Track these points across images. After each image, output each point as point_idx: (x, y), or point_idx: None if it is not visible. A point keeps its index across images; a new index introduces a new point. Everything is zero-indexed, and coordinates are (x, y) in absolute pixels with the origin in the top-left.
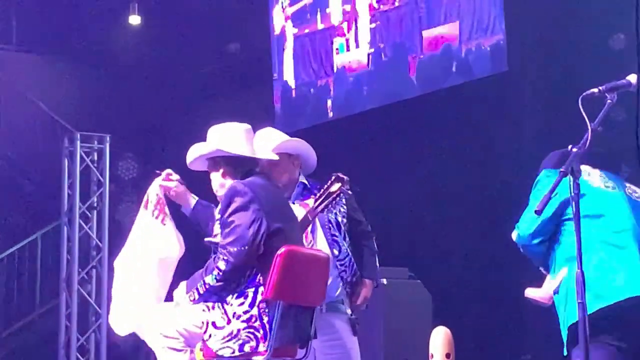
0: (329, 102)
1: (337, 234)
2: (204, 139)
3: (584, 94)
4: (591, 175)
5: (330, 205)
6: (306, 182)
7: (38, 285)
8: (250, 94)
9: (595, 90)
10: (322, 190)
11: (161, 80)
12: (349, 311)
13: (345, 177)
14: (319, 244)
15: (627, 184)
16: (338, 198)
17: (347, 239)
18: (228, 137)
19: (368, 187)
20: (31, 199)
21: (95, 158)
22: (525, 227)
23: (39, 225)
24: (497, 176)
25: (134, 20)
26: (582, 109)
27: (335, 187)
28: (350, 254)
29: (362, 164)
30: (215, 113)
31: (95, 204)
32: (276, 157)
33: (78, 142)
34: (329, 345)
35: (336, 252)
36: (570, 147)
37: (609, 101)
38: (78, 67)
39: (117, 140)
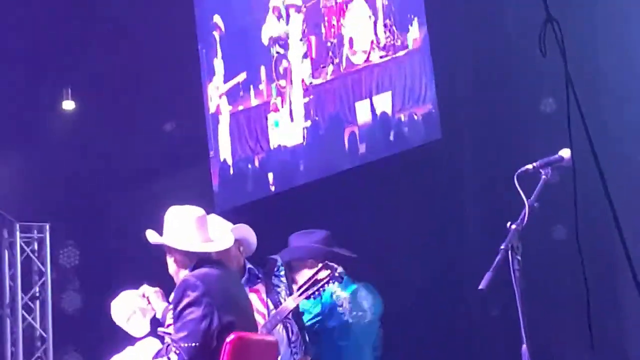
0: (269, 178)
1: (290, 316)
2: (145, 221)
3: (519, 171)
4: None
5: (317, 292)
6: (252, 267)
7: None
8: (188, 173)
9: (530, 166)
10: (309, 277)
11: (99, 164)
12: None
13: (334, 266)
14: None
15: None
16: (326, 285)
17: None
18: (179, 228)
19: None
20: None
21: (36, 247)
22: None
23: None
24: (438, 243)
25: (68, 105)
26: (517, 186)
27: (324, 274)
28: (299, 335)
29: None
30: (154, 194)
31: (37, 294)
32: (228, 245)
33: (17, 233)
34: None
35: (290, 335)
36: (508, 224)
37: (543, 177)
38: (14, 156)
39: (58, 227)
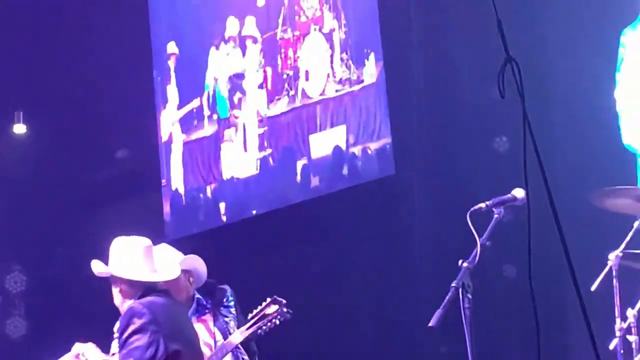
0: (221, 208)
1: (239, 346)
2: (94, 250)
3: (472, 209)
4: None
5: (265, 327)
6: (200, 297)
7: None
8: (140, 202)
9: (483, 205)
10: (257, 311)
11: (48, 188)
12: None
13: (282, 300)
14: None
15: None
16: (274, 320)
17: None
18: (125, 258)
19: (260, 291)
20: None
21: None
22: None
23: None
24: (389, 278)
25: (19, 129)
26: (470, 224)
27: (272, 309)
28: None
29: (253, 268)
30: (104, 222)
31: None
32: (175, 276)
33: None
34: None
35: None
36: (460, 262)
37: (496, 216)
38: None
39: (4, 252)
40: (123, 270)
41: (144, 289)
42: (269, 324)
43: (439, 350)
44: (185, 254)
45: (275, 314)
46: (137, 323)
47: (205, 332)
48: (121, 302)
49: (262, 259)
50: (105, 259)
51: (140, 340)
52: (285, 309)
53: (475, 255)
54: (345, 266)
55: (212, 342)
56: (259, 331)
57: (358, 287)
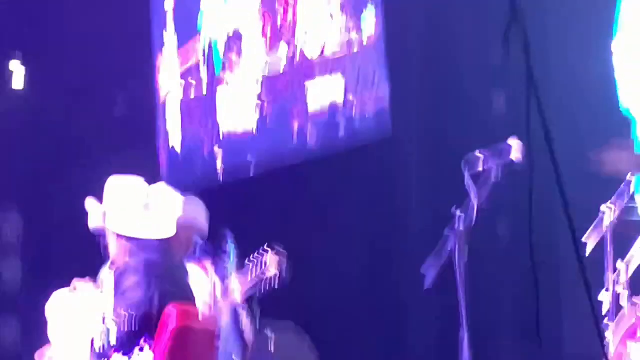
0: (218, 167)
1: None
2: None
3: (466, 158)
4: None
5: (267, 284)
6: (200, 240)
7: None
8: (136, 158)
9: (479, 154)
10: (258, 267)
11: (46, 136)
12: None
13: (283, 252)
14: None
15: None
16: (276, 276)
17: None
18: (121, 211)
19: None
20: None
21: None
22: None
23: None
24: (383, 240)
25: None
26: (467, 184)
27: (273, 263)
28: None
29: (252, 227)
30: (99, 177)
31: None
32: (170, 235)
33: None
34: None
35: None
36: (454, 207)
37: (493, 177)
38: None
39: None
40: (119, 226)
41: (139, 242)
42: (269, 279)
43: (432, 303)
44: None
45: (277, 269)
46: (132, 279)
47: (203, 276)
48: (116, 252)
49: (258, 220)
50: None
51: (136, 291)
52: (285, 264)
53: (472, 216)
54: (341, 228)
55: (210, 288)
56: (259, 289)
57: (349, 248)
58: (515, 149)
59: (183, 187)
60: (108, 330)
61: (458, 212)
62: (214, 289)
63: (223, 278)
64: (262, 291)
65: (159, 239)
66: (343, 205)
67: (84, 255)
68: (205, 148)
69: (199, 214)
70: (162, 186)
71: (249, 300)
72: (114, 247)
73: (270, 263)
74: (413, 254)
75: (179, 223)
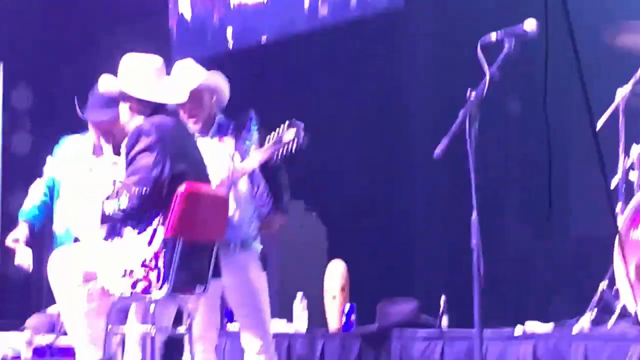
0: (228, 33)
1: (257, 170)
2: (100, 65)
3: (482, 39)
4: None
5: (283, 152)
6: (222, 117)
7: None
8: (146, 25)
9: (493, 36)
10: (275, 136)
11: (57, 4)
12: (260, 246)
13: (300, 124)
14: (241, 180)
15: None
16: (292, 145)
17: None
18: (136, 76)
19: (265, 120)
20: None
21: None
22: None
23: None
24: (392, 113)
25: None
26: (480, 55)
27: (290, 134)
28: (267, 188)
29: (260, 96)
30: (111, 39)
31: None
32: (183, 99)
33: None
34: (238, 283)
35: (256, 188)
36: (468, 91)
37: (506, 46)
38: None
39: (11, 68)
40: (134, 89)
41: (154, 108)
42: (285, 148)
43: (439, 181)
44: None
45: (293, 139)
46: (144, 142)
47: (224, 153)
48: (129, 119)
49: (267, 87)
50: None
51: (147, 159)
52: (302, 134)
53: (484, 86)
54: (351, 98)
55: (230, 165)
56: (275, 157)
57: (363, 118)
58: (530, 22)
59: (193, 52)
60: (119, 203)
61: (473, 94)
62: (232, 163)
63: (243, 153)
64: (280, 157)
65: (174, 103)
66: (352, 75)
67: None
68: (215, 16)
69: (222, 85)
70: (186, 61)
71: (275, 171)
72: (126, 114)
73: (287, 132)
74: (422, 131)
75: (200, 88)
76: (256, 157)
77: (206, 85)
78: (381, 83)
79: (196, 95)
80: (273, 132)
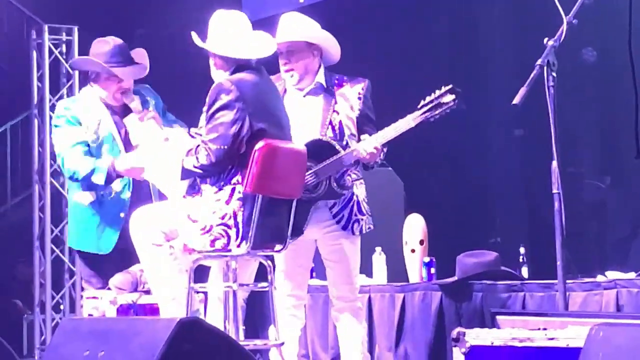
0: None
1: (353, 131)
2: (173, 25)
3: None
4: None
5: (437, 115)
6: (323, 82)
7: (9, 176)
8: None
9: None
10: (432, 98)
11: None
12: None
13: (459, 90)
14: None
15: None
16: (448, 109)
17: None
18: (220, 33)
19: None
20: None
21: (64, 50)
22: None
23: (8, 118)
24: (469, 63)
25: None
26: (557, 1)
27: (448, 98)
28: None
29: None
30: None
31: (64, 96)
32: (263, 55)
33: (46, 35)
34: (330, 236)
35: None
36: (546, 39)
37: None
38: None
39: (86, 31)
40: (216, 46)
41: (237, 65)
42: (442, 112)
43: (512, 134)
44: None
45: (451, 103)
46: (223, 99)
47: (318, 109)
48: (215, 72)
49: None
50: (199, 33)
51: (226, 116)
52: (458, 100)
53: (562, 34)
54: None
55: (327, 127)
56: (431, 118)
57: (436, 71)
58: None
59: (263, 6)
60: (198, 158)
61: (550, 42)
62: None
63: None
64: (433, 119)
65: (260, 57)
66: (429, 22)
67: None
68: None
69: (326, 42)
70: (289, 14)
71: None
72: (212, 69)
73: (445, 96)
74: (499, 69)
75: (297, 42)
76: (411, 117)
77: (304, 40)
78: (457, 33)
79: (293, 49)
80: (432, 94)
